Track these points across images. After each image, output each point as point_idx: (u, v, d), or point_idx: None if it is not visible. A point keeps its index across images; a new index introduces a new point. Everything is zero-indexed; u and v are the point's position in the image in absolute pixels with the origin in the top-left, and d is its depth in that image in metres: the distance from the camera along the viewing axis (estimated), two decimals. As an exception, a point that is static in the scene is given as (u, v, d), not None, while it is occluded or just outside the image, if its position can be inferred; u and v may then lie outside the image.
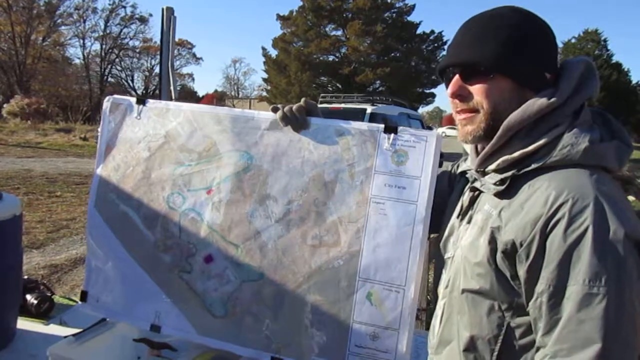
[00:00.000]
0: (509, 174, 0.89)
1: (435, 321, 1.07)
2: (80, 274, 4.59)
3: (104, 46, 39.13)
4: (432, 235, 1.18)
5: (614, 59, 34.52)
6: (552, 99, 0.88)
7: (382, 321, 1.15)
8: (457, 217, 1.05)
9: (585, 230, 0.76)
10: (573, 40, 33.91)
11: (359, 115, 8.50)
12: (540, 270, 0.80)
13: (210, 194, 1.30)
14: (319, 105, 1.28)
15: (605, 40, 34.54)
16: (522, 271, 0.82)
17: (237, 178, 1.28)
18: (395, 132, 1.18)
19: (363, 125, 1.22)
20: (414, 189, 1.15)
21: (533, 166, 0.87)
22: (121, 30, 39.54)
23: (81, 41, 38.25)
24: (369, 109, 9.31)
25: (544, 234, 0.79)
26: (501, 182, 0.90)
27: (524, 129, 0.90)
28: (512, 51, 0.90)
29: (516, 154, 0.89)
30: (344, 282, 1.18)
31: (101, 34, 38.59)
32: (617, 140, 0.88)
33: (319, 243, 1.20)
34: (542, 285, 0.79)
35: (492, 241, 0.87)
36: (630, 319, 0.75)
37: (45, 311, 1.78)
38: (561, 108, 0.89)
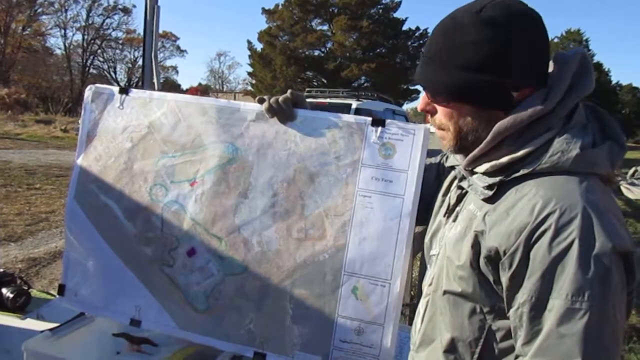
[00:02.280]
0: (497, 180, 0.86)
1: (417, 319, 1.05)
2: (59, 267, 4.50)
3: (85, 37, 38.46)
4: (417, 230, 1.17)
5: (595, 58, 35.13)
6: (544, 104, 0.83)
7: (367, 316, 1.14)
8: (444, 215, 1.03)
9: (571, 243, 0.74)
10: (555, 40, 34.31)
11: (344, 110, 8.48)
12: (523, 280, 0.78)
13: (194, 186, 1.28)
14: None
15: (587, 40, 35.09)
16: (504, 278, 0.81)
17: (222, 170, 1.26)
18: (383, 125, 1.17)
19: (350, 118, 1.21)
20: (401, 183, 1.14)
21: (522, 172, 0.84)
22: (104, 21, 38.91)
23: (62, 31, 37.57)
24: (354, 104, 9.30)
25: (529, 244, 0.77)
26: (489, 187, 0.87)
27: (514, 134, 0.86)
28: (468, 76, 0.84)
29: (504, 160, 0.86)
30: (329, 276, 1.16)
31: (83, 24, 37.93)
32: (610, 141, 0.85)
33: (304, 236, 1.19)
34: (524, 295, 0.78)
35: (476, 245, 0.85)
36: (612, 333, 0.74)
37: (22, 305, 1.74)
38: (553, 111, 0.84)
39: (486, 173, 0.89)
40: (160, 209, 1.30)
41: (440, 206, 1.08)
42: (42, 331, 1.32)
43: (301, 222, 1.19)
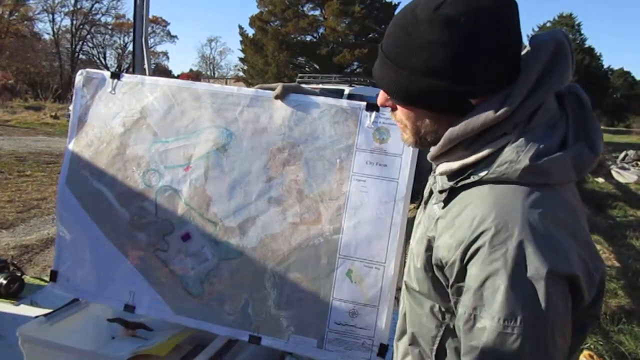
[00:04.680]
0: (448, 186, 0.82)
1: (399, 308, 1.04)
2: (52, 254, 4.47)
3: (74, 22, 37.82)
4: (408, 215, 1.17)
5: (587, 43, 35.07)
6: (501, 111, 0.74)
7: (361, 298, 1.15)
8: (418, 207, 1.00)
9: (504, 264, 0.69)
10: (548, 24, 34.23)
11: (336, 96, 8.44)
12: (461, 293, 0.75)
13: (187, 170, 1.27)
14: None
15: (579, 25, 35.03)
16: (449, 287, 0.79)
17: (216, 155, 1.25)
18: (377, 110, 1.17)
19: (345, 103, 1.21)
20: (395, 167, 1.14)
21: (471, 179, 0.78)
22: (92, 6, 38.23)
23: (50, 16, 36.88)
24: (347, 89, 9.26)
25: (464, 260, 0.74)
26: (441, 192, 0.84)
27: (468, 139, 0.79)
28: (422, 81, 0.76)
29: (455, 165, 0.81)
30: (324, 259, 1.17)
31: (71, 8, 37.24)
32: (582, 142, 0.75)
33: (299, 221, 1.19)
34: (461, 309, 0.75)
35: (429, 249, 0.83)
36: (548, 358, 0.71)
37: (15, 291, 1.74)
38: (510, 117, 0.75)
39: (443, 175, 0.85)
40: (153, 194, 1.29)
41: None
42: (36, 317, 1.32)
43: (296, 207, 1.19)
